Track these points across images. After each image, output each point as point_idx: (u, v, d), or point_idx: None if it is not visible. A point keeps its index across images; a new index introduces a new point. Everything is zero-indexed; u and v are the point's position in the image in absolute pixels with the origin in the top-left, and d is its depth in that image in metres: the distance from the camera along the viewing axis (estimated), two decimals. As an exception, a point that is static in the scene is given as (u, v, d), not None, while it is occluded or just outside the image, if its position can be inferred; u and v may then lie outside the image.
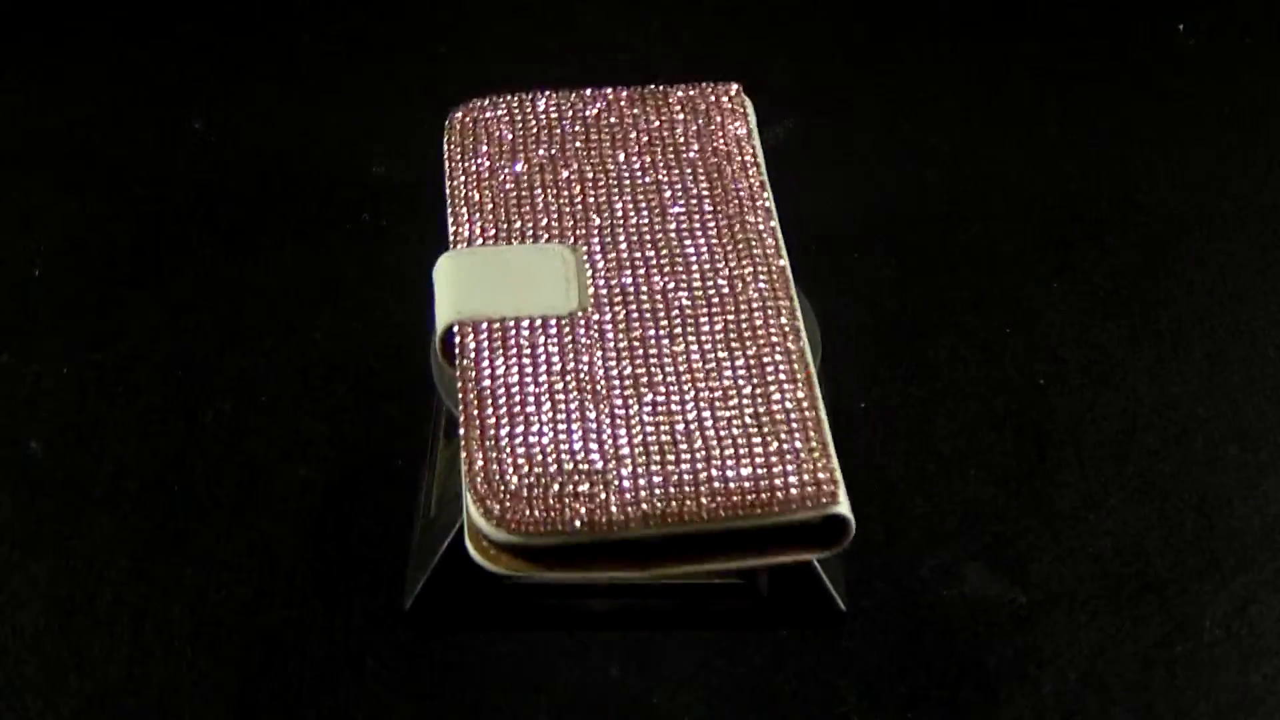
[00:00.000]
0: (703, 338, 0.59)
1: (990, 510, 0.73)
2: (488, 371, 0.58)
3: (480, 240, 0.62)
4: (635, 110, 0.67)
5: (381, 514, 0.72)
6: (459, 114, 0.68)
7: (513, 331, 0.59)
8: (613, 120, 0.67)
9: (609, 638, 0.68)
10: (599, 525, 0.54)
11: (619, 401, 0.57)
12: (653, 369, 0.58)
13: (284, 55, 0.99)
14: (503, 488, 0.55)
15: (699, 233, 0.63)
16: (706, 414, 0.56)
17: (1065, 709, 0.66)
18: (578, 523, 0.54)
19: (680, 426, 0.56)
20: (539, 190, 0.64)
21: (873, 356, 0.80)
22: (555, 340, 0.59)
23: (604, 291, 0.61)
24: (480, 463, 0.56)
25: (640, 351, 0.58)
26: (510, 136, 0.67)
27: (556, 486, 0.54)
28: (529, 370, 0.58)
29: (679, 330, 0.59)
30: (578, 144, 0.66)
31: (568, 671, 0.67)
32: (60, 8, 1.01)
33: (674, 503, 0.54)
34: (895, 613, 0.69)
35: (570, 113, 0.68)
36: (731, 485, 0.54)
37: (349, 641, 0.68)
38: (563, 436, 0.56)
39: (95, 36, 1.00)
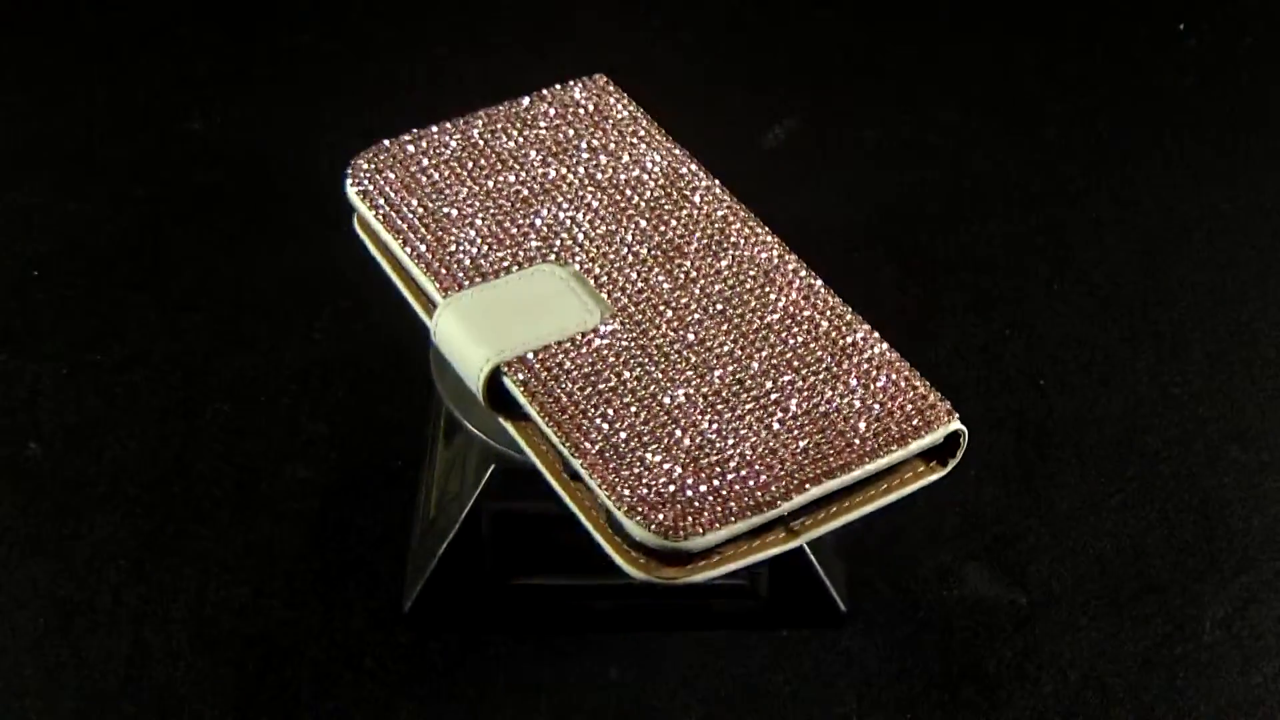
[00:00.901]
0: (737, 313, 0.60)
1: (990, 511, 0.73)
2: (565, 403, 0.57)
3: (467, 281, 0.61)
4: (532, 123, 0.68)
5: (381, 515, 0.72)
6: (363, 165, 0.67)
7: (561, 357, 0.58)
8: (523, 136, 0.67)
9: (609, 638, 0.68)
10: (762, 504, 0.54)
11: (704, 390, 0.57)
12: (709, 353, 0.58)
13: (284, 55, 0.99)
14: (659, 500, 0.54)
15: (669, 219, 0.64)
16: (787, 378, 0.57)
17: (1065, 709, 0.66)
18: (746, 506, 0.54)
19: (773, 395, 0.57)
20: (492, 218, 0.64)
21: (873, 357, 0.79)
22: (608, 352, 0.59)
23: (619, 295, 0.61)
24: (621, 486, 0.54)
25: (689, 338, 0.59)
26: (434, 176, 0.66)
27: (706, 484, 0.54)
28: (603, 387, 0.57)
29: (713, 311, 0.60)
30: (502, 167, 0.66)
31: (568, 671, 0.67)
32: (60, 8, 1.01)
33: (813, 463, 0.55)
34: (895, 613, 0.69)
35: (479, 140, 0.67)
36: (854, 434, 0.56)
37: (349, 642, 0.68)
38: (680, 435, 0.56)
39: (95, 36, 1.00)
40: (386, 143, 0.67)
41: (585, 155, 0.66)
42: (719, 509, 0.54)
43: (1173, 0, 1.01)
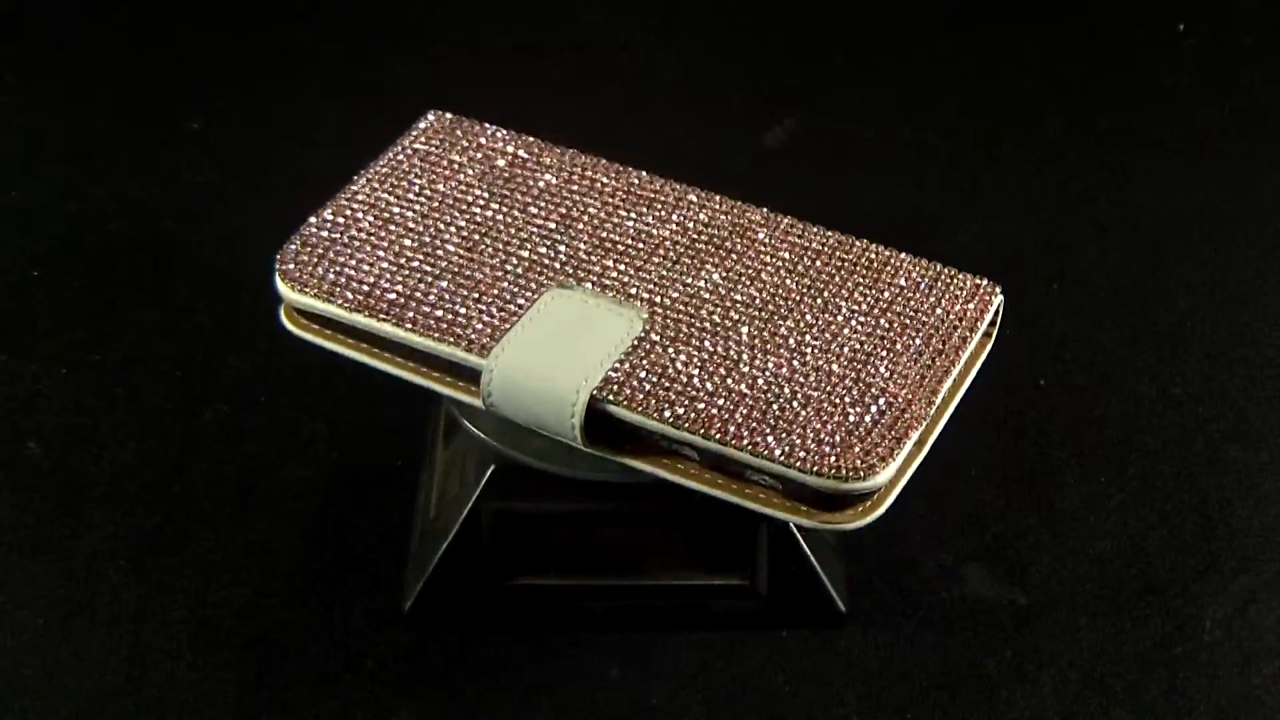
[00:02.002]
0: (753, 270, 0.63)
1: (990, 511, 0.73)
2: (678, 400, 0.58)
3: (491, 330, 0.60)
4: (427, 168, 0.67)
5: (381, 515, 0.72)
6: (299, 260, 0.64)
7: (636, 365, 0.59)
8: (434, 185, 0.67)
9: (609, 638, 0.68)
10: (914, 418, 0.58)
11: (780, 344, 0.60)
12: (759, 310, 0.61)
13: (284, 55, 0.99)
14: (831, 446, 0.56)
15: (629, 211, 0.65)
16: (845, 306, 0.61)
17: (1065, 710, 0.66)
18: (904, 424, 0.58)
19: (847, 326, 0.60)
20: (459, 267, 0.63)
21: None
22: (672, 345, 0.59)
23: (641, 294, 0.62)
24: (789, 447, 0.56)
25: (733, 306, 0.61)
26: (374, 245, 0.64)
27: (858, 419, 0.57)
28: (696, 374, 0.58)
29: (736, 275, 0.62)
30: (437, 215, 0.65)
31: (568, 672, 0.67)
32: (60, 8, 1.01)
33: (922, 367, 0.59)
34: (895, 613, 0.69)
35: (389, 200, 0.66)
36: (933, 331, 0.61)
37: (349, 642, 0.68)
38: (800, 386, 0.58)
39: (95, 37, 1.00)
40: (308, 230, 0.65)
41: (509, 182, 0.66)
42: (886, 435, 0.57)
43: (1173, 0, 1.01)
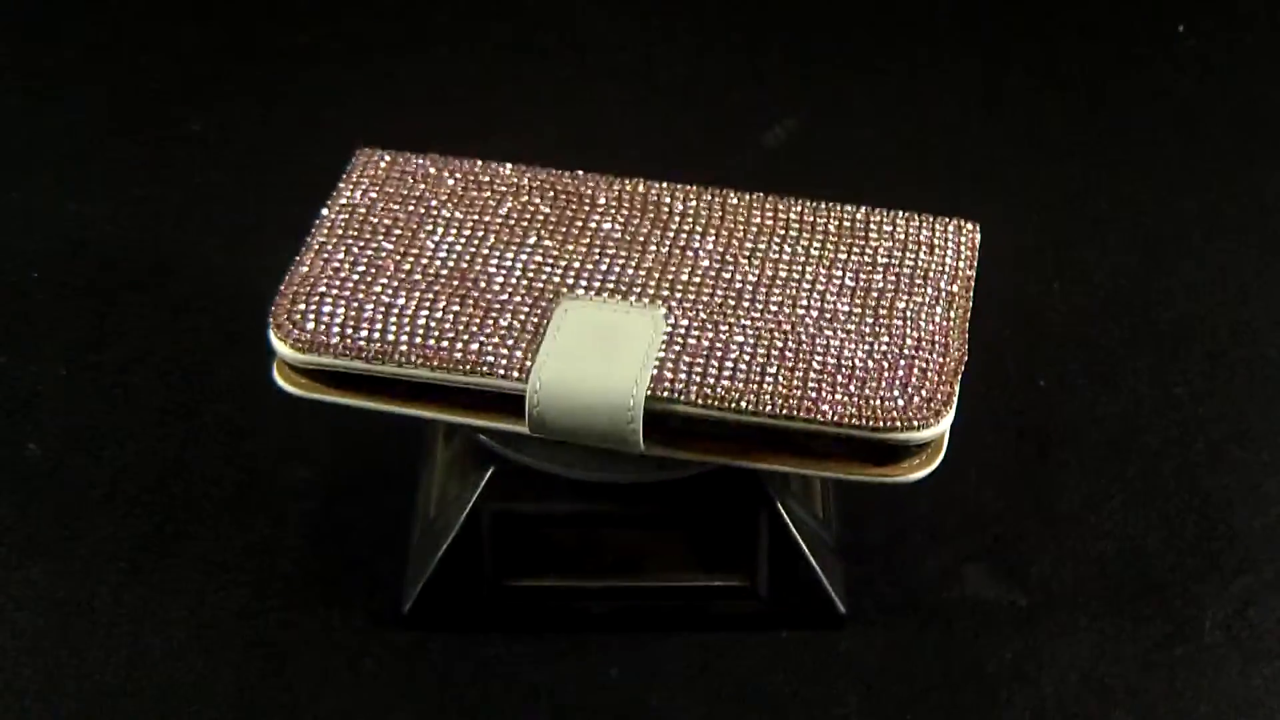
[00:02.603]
0: (747, 249, 0.64)
1: (990, 511, 0.73)
2: (736, 384, 0.59)
3: (519, 353, 0.60)
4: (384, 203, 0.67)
5: (380, 515, 0.72)
6: (294, 317, 0.62)
7: (677, 360, 0.59)
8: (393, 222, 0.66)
9: (609, 639, 0.68)
10: (958, 360, 0.60)
11: (803, 314, 0.61)
12: (769, 285, 0.62)
13: (284, 55, 0.99)
14: (894, 399, 0.58)
15: (612, 214, 0.65)
16: (850, 265, 0.63)
17: (1065, 710, 0.66)
18: (951, 367, 0.60)
19: (859, 292, 0.62)
20: (449, 296, 0.62)
21: (873, 357, 0.79)
22: (702, 334, 0.60)
23: (651, 291, 0.62)
24: (859, 406, 0.58)
25: (744, 285, 0.62)
26: (361, 293, 0.63)
27: (908, 371, 0.59)
28: (738, 357, 0.59)
29: (731, 256, 0.63)
30: (405, 251, 0.64)
31: (568, 672, 0.67)
32: (60, 8, 1.01)
33: (946, 308, 0.62)
34: (895, 614, 0.69)
35: (358, 242, 0.65)
36: (931, 272, 0.64)
37: (349, 642, 0.68)
38: (846, 346, 0.60)
39: (95, 37, 1.00)
40: (293, 287, 0.63)
41: (469, 203, 0.66)
42: (941, 380, 0.59)
43: (1173, 0, 1.01)
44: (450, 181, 0.67)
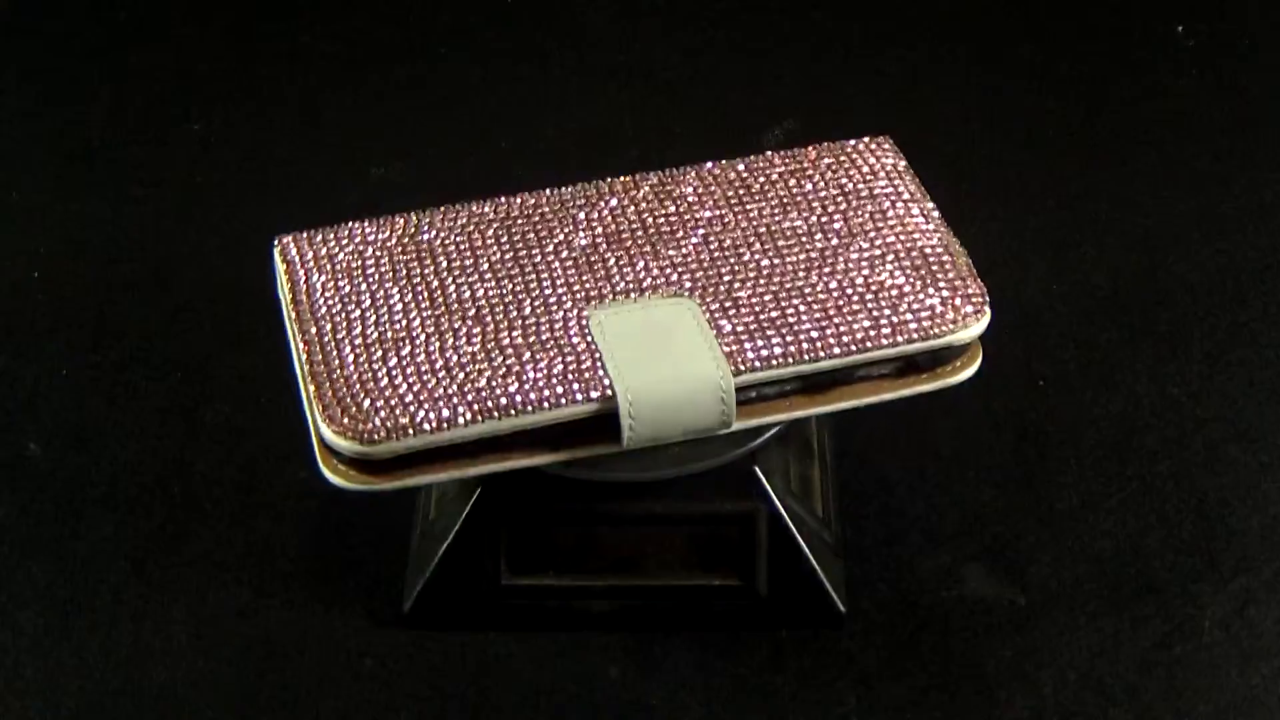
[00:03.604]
0: (718, 219, 0.65)
1: (990, 511, 0.73)
2: (807, 340, 0.61)
3: (589, 372, 0.59)
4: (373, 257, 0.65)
5: (380, 515, 0.72)
6: (379, 413, 0.59)
7: (738, 335, 0.60)
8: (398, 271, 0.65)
9: (609, 638, 0.68)
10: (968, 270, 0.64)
11: (828, 270, 0.63)
12: (769, 250, 0.64)
13: (284, 55, 0.99)
14: (944, 311, 0.62)
15: (577, 222, 0.65)
16: (835, 212, 0.66)
17: (1065, 710, 0.66)
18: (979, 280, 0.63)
19: (838, 224, 0.65)
20: (497, 335, 0.61)
21: (872, 357, 0.79)
22: (748, 308, 0.61)
23: (667, 285, 0.62)
24: (909, 324, 0.61)
25: (751, 254, 0.64)
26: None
27: (951, 276, 0.63)
28: (793, 315, 0.61)
29: (731, 237, 0.65)
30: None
31: (568, 671, 0.67)
32: (60, 8, 1.01)
33: (936, 245, 0.64)
34: (895, 613, 0.69)
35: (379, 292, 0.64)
36: (901, 202, 0.66)
37: (349, 642, 0.68)
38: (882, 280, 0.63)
39: (95, 37, 1.00)
40: (329, 386, 0.60)
41: (434, 252, 0.65)
42: (966, 278, 0.63)
43: (1173, 0, 1.01)
44: (397, 238, 0.65)
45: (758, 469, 0.65)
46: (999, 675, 0.67)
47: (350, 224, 0.66)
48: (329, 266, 0.65)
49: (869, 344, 0.60)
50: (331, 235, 0.66)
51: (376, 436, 0.58)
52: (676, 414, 0.59)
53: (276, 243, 0.66)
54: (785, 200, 0.66)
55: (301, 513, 0.73)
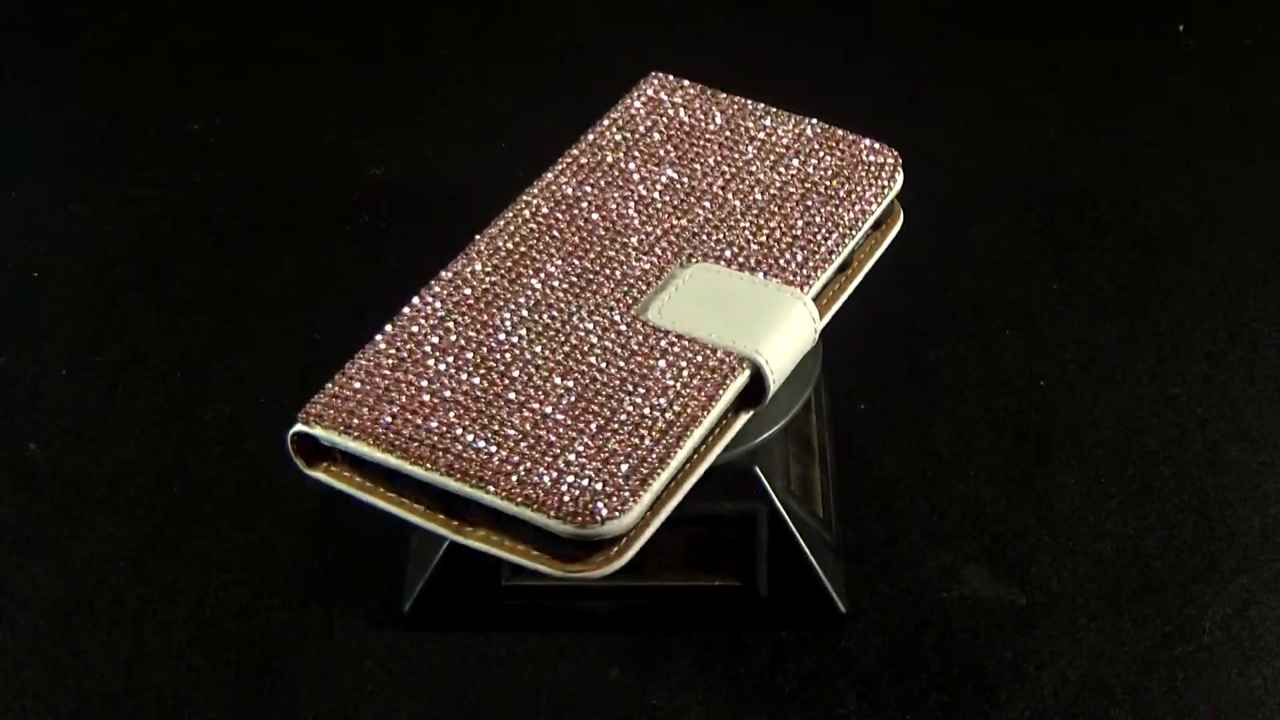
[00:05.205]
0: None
1: (990, 511, 0.73)
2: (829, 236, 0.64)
3: (733, 356, 0.59)
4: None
5: (380, 515, 0.72)
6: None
7: (798, 265, 0.62)
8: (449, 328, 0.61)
9: (609, 638, 0.68)
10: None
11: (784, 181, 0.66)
12: (714, 206, 0.65)
13: (284, 55, 0.99)
14: None
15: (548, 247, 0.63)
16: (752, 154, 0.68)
17: (1065, 710, 0.66)
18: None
19: (769, 154, 0.68)
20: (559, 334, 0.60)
21: (873, 356, 0.80)
22: (754, 247, 0.63)
23: (658, 255, 0.62)
24: None
25: (728, 200, 0.65)
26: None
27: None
28: (797, 229, 0.64)
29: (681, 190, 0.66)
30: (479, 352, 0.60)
31: (568, 672, 0.67)
32: (60, 8, 1.01)
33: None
34: (895, 613, 0.69)
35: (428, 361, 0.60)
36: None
37: (349, 643, 0.68)
38: None
39: (95, 37, 1.00)
40: (541, 459, 0.56)
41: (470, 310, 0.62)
42: (880, 149, 0.67)
43: (1173, 0, 1.01)
44: (445, 309, 0.61)
45: (758, 469, 0.65)
46: (999, 675, 0.67)
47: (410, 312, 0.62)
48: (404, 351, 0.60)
49: (856, 212, 0.64)
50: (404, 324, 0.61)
51: (627, 500, 0.55)
52: (795, 350, 0.60)
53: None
54: (712, 165, 0.66)
55: (301, 513, 0.73)
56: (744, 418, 0.60)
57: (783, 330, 0.60)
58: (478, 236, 0.63)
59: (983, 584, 0.70)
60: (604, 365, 0.59)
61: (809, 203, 0.65)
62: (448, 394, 0.58)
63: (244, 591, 0.70)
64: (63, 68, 0.97)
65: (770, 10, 1.01)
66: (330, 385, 0.58)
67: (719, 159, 0.67)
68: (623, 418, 0.57)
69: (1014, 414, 0.77)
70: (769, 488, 0.65)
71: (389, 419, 0.57)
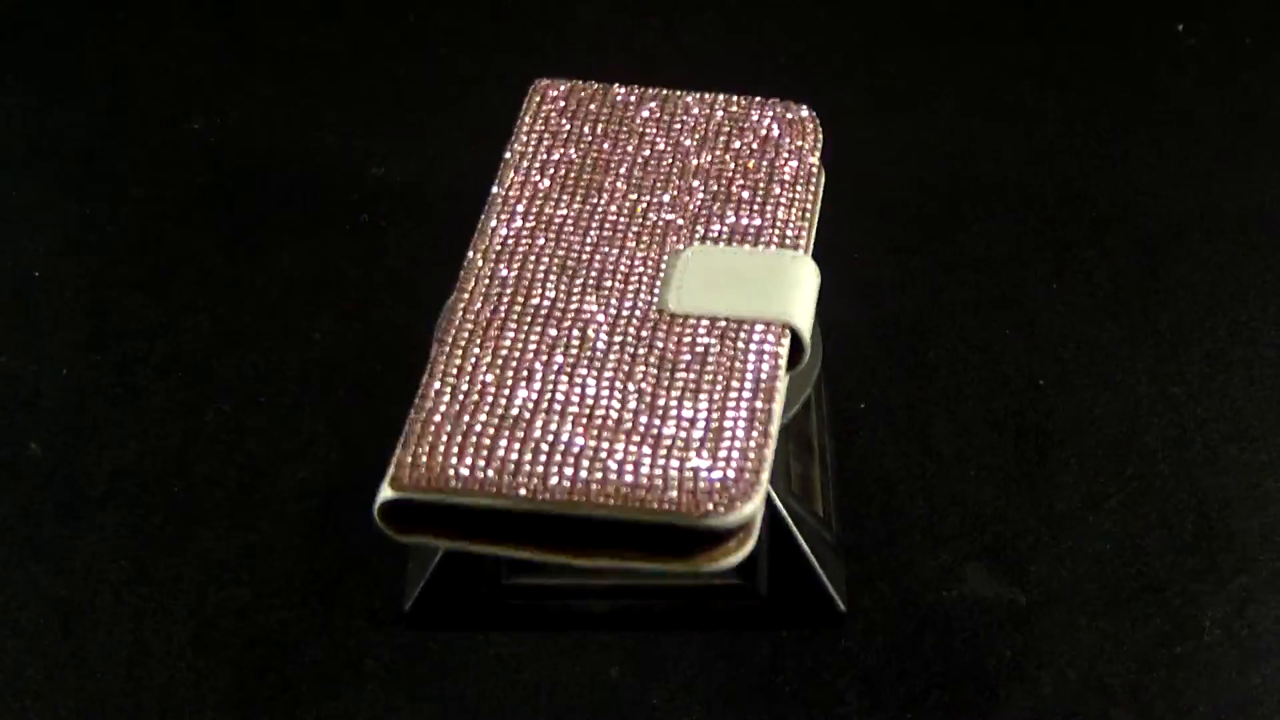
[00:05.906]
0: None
1: (990, 511, 0.73)
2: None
3: (773, 325, 0.60)
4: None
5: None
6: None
7: (794, 231, 0.65)
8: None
9: (609, 638, 0.68)
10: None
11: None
12: (681, 185, 0.66)
13: (284, 55, 0.99)
14: None
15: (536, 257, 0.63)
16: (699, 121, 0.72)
17: (1065, 709, 0.66)
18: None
19: (721, 122, 0.73)
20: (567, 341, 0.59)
21: (873, 356, 0.80)
22: (737, 214, 0.64)
23: (658, 238, 0.63)
24: None
25: (684, 198, 0.66)
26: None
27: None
28: (781, 183, 0.67)
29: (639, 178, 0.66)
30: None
31: (568, 671, 0.67)
32: (60, 8, 1.01)
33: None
34: (895, 613, 0.69)
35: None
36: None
37: (349, 642, 0.68)
38: None
39: (95, 37, 1.00)
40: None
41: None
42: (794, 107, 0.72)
43: (1173, 0, 1.01)
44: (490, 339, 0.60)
45: (758, 469, 0.65)
46: (999, 674, 0.67)
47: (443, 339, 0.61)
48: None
49: (807, 166, 0.68)
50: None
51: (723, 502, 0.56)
52: (812, 304, 0.61)
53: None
54: (674, 144, 0.68)
55: (301, 513, 0.73)
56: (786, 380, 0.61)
57: (800, 289, 0.61)
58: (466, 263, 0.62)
59: (983, 583, 0.70)
60: (657, 363, 0.58)
61: (759, 170, 0.67)
62: (523, 429, 0.56)
63: (244, 591, 0.70)
64: (63, 68, 0.97)
65: (770, 10, 1.01)
66: (402, 447, 0.56)
67: (655, 149, 0.67)
68: (704, 407, 0.57)
69: (1014, 414, 0.77)
70: (769, 488, 0.65)
71: (482, 464, 0.55)
